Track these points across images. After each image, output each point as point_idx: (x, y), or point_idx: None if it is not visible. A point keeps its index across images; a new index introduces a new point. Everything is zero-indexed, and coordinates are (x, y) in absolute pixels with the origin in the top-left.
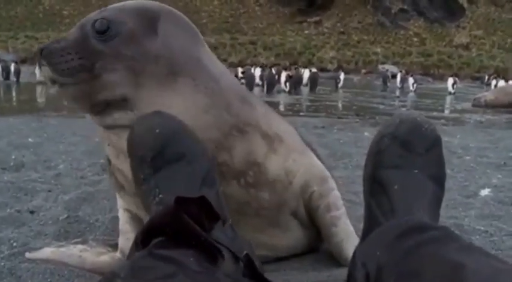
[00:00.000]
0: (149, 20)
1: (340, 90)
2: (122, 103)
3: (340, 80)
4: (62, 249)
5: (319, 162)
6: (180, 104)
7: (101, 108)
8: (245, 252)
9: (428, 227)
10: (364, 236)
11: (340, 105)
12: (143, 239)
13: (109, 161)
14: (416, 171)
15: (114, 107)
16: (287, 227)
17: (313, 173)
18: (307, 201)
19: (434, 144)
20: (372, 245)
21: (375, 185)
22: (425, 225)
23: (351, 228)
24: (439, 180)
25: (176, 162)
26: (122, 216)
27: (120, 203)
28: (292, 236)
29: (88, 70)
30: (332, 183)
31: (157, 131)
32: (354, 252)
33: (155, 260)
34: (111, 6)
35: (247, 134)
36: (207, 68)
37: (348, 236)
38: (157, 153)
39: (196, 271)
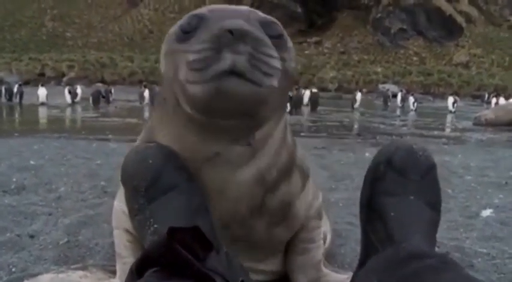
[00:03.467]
0: None
1: (357, 113)
2: None
3: (356, 100)
4: (61, 275)
5: (320, 199)
6: None
7: None
8: (240, 279)
9: (425, 254)
10: (361, 262)
11: (340, 125)
12: (138, 269)
13: None
14: (412, 197)
15: None
16: (283, 253)
17: (318, 208)
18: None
19: (430, 170)
20: (369, 272)
21: (371, 212)
22: (422, 253)
23: (314, 261)
24: (435, 206)
25: (170, 192)
26: (119, 238)
27: (119, 223)
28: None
29: None
30: (323, 220)
31: (150, 161)
32: (352, 279)
33: None
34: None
35: (291, 175)
36: None
37: (304, 267)
38: (151, 184)
39: None
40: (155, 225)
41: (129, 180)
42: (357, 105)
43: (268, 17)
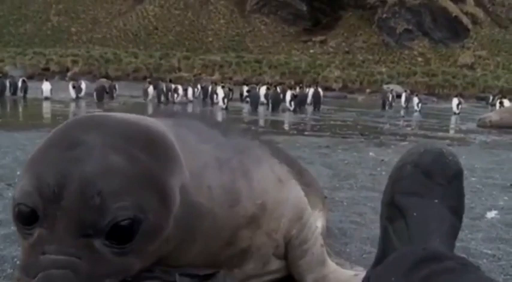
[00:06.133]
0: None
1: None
2: None
3: (389, 100)
4: None
5: (296, 196)
6: None
7: None
8: (177, 274)
9: (445, 256)
10: (378, 259)
11: (344, 124)
12: None
13: None
14: (436, 201)
15: None
16: (277, 266)
17: (292, 218)
18: (285, 240)
19: (457, 176)
20: (387, 270)
21: (394, 210)
22: (442, 255)
23: (316, 257)
24: (457, 212)
25: None
26: None
27: None
28: (282, 268)
29: None
30: (306, 215)
31: None
32: (369, 275)
33: None
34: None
35: (236, 240)
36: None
37: (310, 268)
38: None
39: None
40: None
41: None
42: (388, 106)
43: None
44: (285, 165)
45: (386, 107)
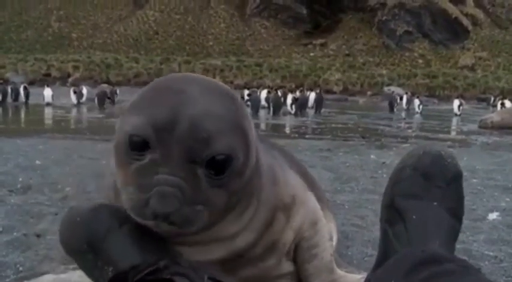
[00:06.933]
0: None
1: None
2: None
3: (397, 102)
4: (63, 276)
5: (314, 202)
6: None
7: None
8: (206, 276)
9: (444, 259)
10: (378, 262)
11: (345, 127)
12: None
13: None
14: (435, 203)
15: None
16: (286, 269)
17: (308, 221)
18: (294, 241)
19: (456, 178)
20: (387, 272)
21: (393, 213)
22: (441, 257)
23: (324, 263)
24: (456, 214)
25: (108, 236)
26: None
27: None
28: (292, 273)
29: None
30: (321, 223)
31: (78, 219)
32: (369, 278)
33: None
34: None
35: (274, 221)
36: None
37: (317, 272)
38: (91, 240)
39: None
40: (111, 268)
41: (68, 244)
42: (396, 108)
43: (220, 129)
44: (300, 177)
45: (395, 110)
